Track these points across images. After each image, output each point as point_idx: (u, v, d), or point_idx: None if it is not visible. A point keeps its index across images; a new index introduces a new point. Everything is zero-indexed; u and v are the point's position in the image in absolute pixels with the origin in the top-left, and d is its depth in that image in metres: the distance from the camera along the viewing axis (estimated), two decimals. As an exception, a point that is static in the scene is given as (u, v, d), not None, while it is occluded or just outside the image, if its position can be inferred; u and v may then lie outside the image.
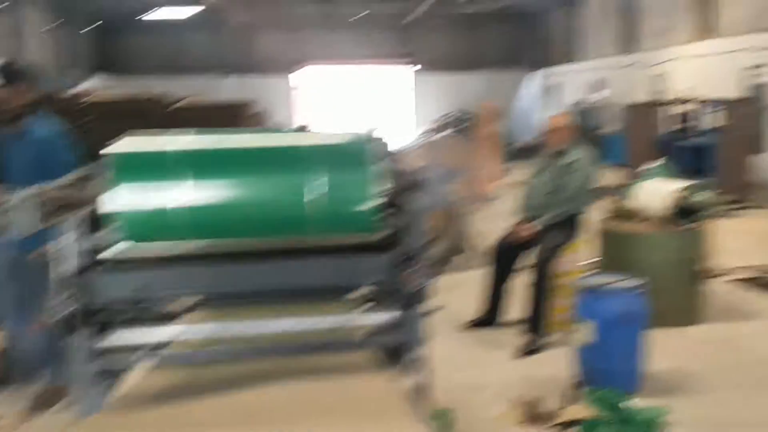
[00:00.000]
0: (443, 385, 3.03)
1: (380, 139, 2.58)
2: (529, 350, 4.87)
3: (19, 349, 4.53)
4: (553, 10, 26.33)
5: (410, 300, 2.45)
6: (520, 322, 5.09)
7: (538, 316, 4.96)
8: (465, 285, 6.45)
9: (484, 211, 8.56)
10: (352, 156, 2.35)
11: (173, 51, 28.29)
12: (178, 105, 12.70)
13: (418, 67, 28.36)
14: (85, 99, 11.52)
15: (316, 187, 2.25)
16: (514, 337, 5.02)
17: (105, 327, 2.37)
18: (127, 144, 2.25)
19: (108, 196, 2.16)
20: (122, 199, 2.17)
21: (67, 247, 2.28)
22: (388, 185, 2.34)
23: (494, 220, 8.28)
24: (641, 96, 18.54)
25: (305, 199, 2.25)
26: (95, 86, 21.64)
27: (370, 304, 2.71)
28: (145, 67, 27.94)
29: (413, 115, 27.81)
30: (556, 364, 4.67)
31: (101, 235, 2.38)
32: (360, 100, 27.71)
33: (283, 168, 2.32)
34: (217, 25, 26.40)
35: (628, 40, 20.42)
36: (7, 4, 20.29)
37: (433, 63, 28.51)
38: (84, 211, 2.32)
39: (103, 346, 2.33)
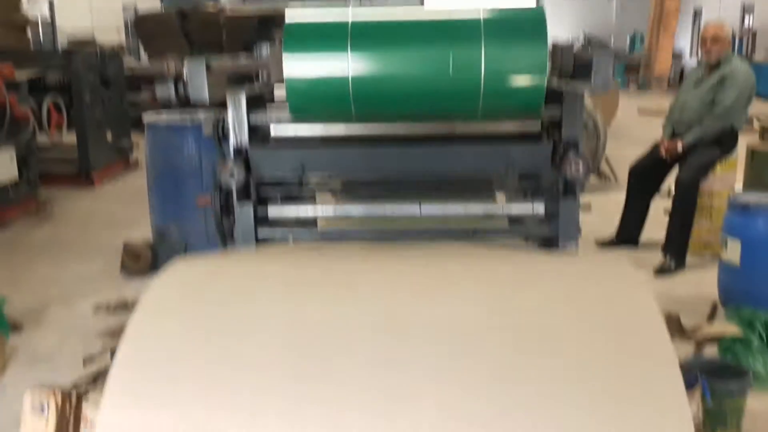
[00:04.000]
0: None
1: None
2: (669, 270, 4.69)
3: (167, 238, 4.82)
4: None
5: (566, 191, 2.36)
6: (661, 241, 4.89)
7: (680, 237, 4.74)
8: (600, 206, 6.24)
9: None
10: (530, 28, 2.15)
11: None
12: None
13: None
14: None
15: (492, 62, 2.09)
16: (653, 256, 4.84)
17: (263, 201, 2.45)
18: (297, 15, 2.22)
19: (278, 67, 2.16)
20: (289, 69, 2.14)
21: (236, 120, 2.35)
22: (554, 67, 2.20)
23: (631, 146, 7.98)
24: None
25: (480, 74, 2.10)
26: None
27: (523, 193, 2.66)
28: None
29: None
30: (697, 284, 4.50)
31: (267, 110, 2.43)
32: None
33: (455, 40, 2.14)
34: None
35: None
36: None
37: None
38: (254, 86, 2.35)
39: (265, 216, 2.40)
